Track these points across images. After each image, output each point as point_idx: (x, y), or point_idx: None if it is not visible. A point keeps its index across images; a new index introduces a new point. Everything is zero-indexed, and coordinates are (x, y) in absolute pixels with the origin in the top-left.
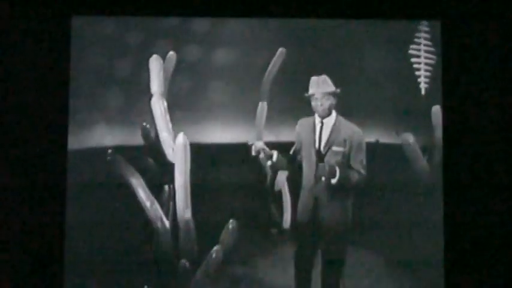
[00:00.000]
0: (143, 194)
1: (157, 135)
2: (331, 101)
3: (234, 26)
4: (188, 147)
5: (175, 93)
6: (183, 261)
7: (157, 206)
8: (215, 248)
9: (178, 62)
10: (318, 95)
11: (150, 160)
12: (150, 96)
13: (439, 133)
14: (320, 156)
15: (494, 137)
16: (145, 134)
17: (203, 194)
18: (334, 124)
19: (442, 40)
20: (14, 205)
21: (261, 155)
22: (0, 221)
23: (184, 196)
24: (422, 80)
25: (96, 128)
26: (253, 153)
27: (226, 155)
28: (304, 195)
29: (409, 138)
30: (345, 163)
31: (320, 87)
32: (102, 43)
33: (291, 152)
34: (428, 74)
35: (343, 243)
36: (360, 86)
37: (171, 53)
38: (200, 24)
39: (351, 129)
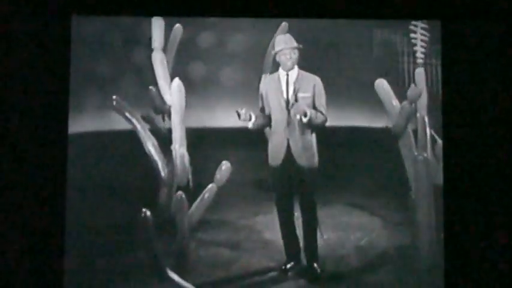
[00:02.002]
0: (144, 134)
1: (161, 97)
2: (297, 55)
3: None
4: (183, 90)
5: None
6: (180, 192)
7: (155, 143)
8: (209, 186)
9: (194, 50)
10: (286, 50)
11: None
12: (152, 50)
13: (423, 93)
14: (288, 103)
15: (494, 136)
16: (152, 96)
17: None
18: (298, 75)
19: (442, 40)
20: (14, 200)
21: (243, 117)
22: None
23: (180, 134)
24: (418, 56)
25: (96, 129)
26: (240, 117)
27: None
28: (276, 139)
29: (383, 83)
30: (311, 106)
31: (288, 43)
32: (102, 43)
33: (260, 106)
34: (423, 50)
35: (314, 180)
36: (361, 83)
37: (177, 25)
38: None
39: (312, 78)
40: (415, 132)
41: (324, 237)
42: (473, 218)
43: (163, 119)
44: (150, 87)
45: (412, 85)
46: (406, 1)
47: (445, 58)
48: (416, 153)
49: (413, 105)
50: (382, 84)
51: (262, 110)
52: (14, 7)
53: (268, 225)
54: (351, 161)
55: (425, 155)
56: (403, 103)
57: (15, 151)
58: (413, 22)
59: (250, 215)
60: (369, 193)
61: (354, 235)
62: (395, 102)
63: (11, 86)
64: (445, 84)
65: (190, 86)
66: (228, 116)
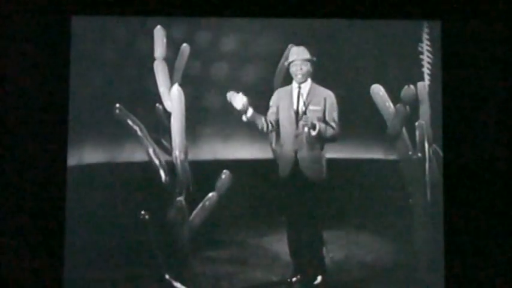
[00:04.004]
0: (146, 141)
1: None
2: (308, 67)
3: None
4: (182, 97)
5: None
6: (180, 198)
7: (157, 149)
8: (210, 194)
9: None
10: (297, 61)
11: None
12: (154, 60)
13: (425, 106)
14: (298, 115)
15: (494, 136)
16: (158, 114)
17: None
18: (310, 88)
19: (442, 40)
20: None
21: (240, 104)
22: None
23: (180, 140)
24: (425, 77)
25: (96, 127)
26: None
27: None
28: (285, 150)
29: (379, 90)
30: (321, 119)
31: (300, 54)
32: (102, 43)
33: (269, 114)
34: (429, 72)
35: (320, 194)
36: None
37: (185, 44)
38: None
39: (324, 92)
40: (411, 135)
41: (330, 255)
42: (473, 219)
43: (170, 137)
44: (157, 104)
45: (406, 86)
46: (407, 1)
47: (445, 59)
48: (410, 153)
49: (407, 107)
50: (378, 90)
51: (277, 122)
52: (14, 7)
53: (274, 242)
54: (356, 186)
55: (419, 154)
56: (398, 105)
57: (14, 152)
58: (420, 44)
59: (257, 232)
60: (373, 213)
61: (359, 252)
62: (390, 109)
63: (10, 87)
64: (445, 84)
65: (205, 116)
66: (242, 146)
